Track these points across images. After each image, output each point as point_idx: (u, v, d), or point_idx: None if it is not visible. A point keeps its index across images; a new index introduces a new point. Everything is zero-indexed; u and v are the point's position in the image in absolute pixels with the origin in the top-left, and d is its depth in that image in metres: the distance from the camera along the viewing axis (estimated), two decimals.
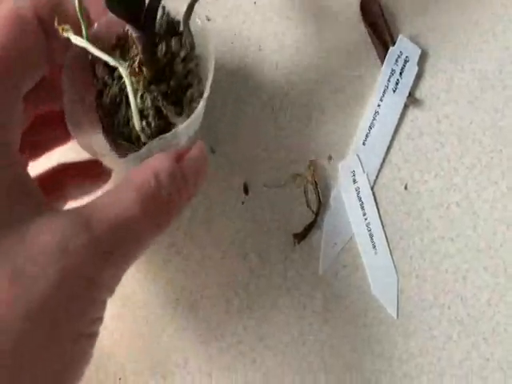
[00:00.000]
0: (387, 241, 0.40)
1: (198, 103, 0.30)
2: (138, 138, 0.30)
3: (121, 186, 0.27)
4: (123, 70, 0.29)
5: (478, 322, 0.40)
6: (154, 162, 0.28)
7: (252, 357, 0.39)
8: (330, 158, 0.41)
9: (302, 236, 0.40)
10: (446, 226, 0.41)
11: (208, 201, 0.40)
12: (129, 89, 0.29)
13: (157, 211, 0.27)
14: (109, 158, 0.31)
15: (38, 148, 0.34)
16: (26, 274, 0.22)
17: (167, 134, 0.29)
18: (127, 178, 0.27)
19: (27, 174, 0.27)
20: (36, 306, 0.22)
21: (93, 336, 0.25)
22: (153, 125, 0.30)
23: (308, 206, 0.40)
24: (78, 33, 0.28)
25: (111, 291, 0.26)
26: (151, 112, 0.30)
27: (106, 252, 0.24)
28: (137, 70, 0.29)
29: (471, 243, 0.40)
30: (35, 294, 0.22)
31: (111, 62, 0.29)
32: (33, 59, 0.27)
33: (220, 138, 0.41)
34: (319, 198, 0.40)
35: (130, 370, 0.39)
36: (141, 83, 0.30)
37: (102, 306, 0.25)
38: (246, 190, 0.40)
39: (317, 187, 0.40)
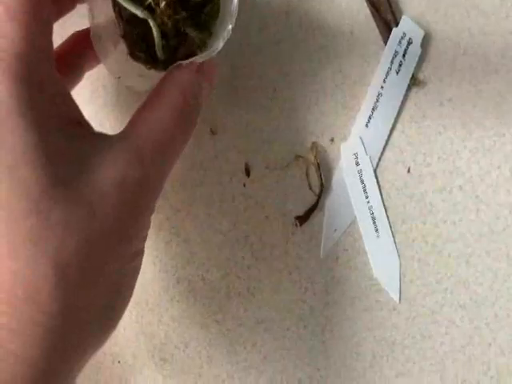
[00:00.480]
0: (389, 224, 0.40)
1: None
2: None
3: (156, 105, 0.29)
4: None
5: (480, 307, 0.39)
6: (180, 78, 0.30)
7: (252, 340, 0.39)
8: (332, 140, 0.40)
9: (303, 219, 0.39)
10: (448, 209, 0.40)
11: (209, 183, 0.40)
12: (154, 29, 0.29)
13: (187, 124, 0.30)
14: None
15: (73, 74, 0.35)
16: (92, 203, 0.25)
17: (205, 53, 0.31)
18: (160, 96, 0.29)
19: (74, 103, 0.28)
20: (101, 226, 0.25)
21: (143, 253, 0.29)
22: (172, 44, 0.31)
23: (310, 188, 0.40)
24: None
25: (153, 211, 0.29)
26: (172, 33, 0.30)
27: (155, 180, 0.28)
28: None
29: (474, 227, 0.40)
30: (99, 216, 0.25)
31: None
32: None
33: (220, 119, 0.40)
34: (321, 181, 0.39)
35: (129, 354, 0.38)
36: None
37: (149, 225, 0.29)
38: (247, 172, 0.40)
39: (319, 169, 0.39)
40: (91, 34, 0.32)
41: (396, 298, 0.39)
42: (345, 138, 0.41)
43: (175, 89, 0.29)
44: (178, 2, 0.30)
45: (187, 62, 0.30)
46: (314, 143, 0.40)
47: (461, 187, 0.41)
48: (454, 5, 0.42)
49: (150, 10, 0.29)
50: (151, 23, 0.29)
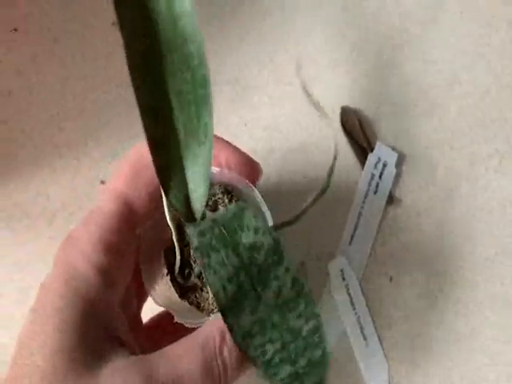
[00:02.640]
0: (376, 331, 0.44)
1: None
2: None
3: (187, 341, 0.28)
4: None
5: None
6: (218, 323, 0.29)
7: None
8: (318, 258, 0.45)
9: None
10: (430, 313, 0.45)
11: None
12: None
13: (216, 371, 0.28)
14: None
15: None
16: None
17: None
18: (194, 334, 0.28)
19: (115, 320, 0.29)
20: None
21: None
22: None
23: None
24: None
25: None
26: None
27: None
28: None
29: (455, 327, 0.44)
30: None
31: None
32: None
33: None
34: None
35: None
36: None
37: None
38: None
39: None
40: (140, 262, 0.33)
41: None
42: (332, 256, 0.46)
43: (214, 328, 0.28)
44: None
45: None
46: (301, 263, 0.45)
47: (441, 289, 0.45)
48: (422, 130, 0.47)
49: None
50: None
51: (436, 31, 0.49)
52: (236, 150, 0.35)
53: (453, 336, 0.44)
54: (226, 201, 0.34)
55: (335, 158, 0.35)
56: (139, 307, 0.38)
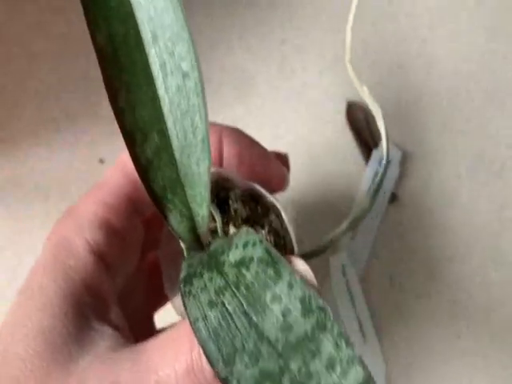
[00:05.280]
0: (375, 330, 0.43)
1: None
2: None
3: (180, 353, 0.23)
4: None
5: None
6: None
7: None
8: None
9: None
10: (426, 315, 0.44)
11: None
12: None
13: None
14: None
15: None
16: None
17: None
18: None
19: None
20: None
21: None
22: None
23: None
24: None
25: None
26: None
27: None
28: None
29: (450, 329, 0.44)
30: None
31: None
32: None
33: None
34: None
35: None
36: None
37: None
38: None
39: None
40: (162, 268, 0.30)
41: None
42: (333, 251, 0.45)
43: None
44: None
45: None
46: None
47: (440, 291, 0.45)
48: (427, 128, 0.47)
49: None
50: None
51: (444, 32, 0.49)
52: (252, 142, 0.30)
53: (452, 337, 0.44)
54: (245, 213, 0.27)
55: (381, 179, 0.31)
56: (152, 310, 0.34)
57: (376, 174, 0.46)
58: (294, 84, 0.47)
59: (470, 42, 0.49)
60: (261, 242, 0.20)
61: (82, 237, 0.25)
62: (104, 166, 0.43)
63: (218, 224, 0.25)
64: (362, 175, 0.46)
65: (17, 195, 0.42)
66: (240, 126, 0.45)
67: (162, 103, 0.21)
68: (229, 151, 0.28)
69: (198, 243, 0.23)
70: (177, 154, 0.21)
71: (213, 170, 0.25)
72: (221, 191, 0.27)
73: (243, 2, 0.47)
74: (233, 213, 0.26)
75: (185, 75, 0.20)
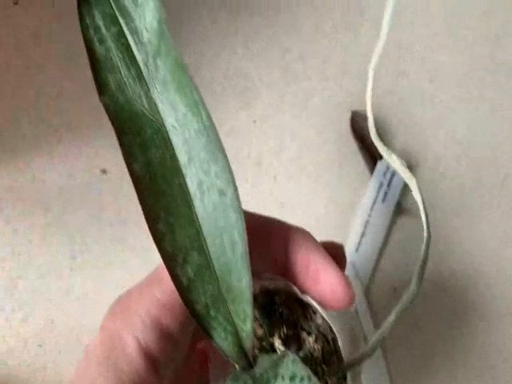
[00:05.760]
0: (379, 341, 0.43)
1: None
2: None
3: None
4: None
5: None
6: None
7: None
8: None
9: None
10: (434, 328, 0.44)
11: None
12: None
13: None
14: None
15: None
16: None
17: None
18: None
19: None
20: None
21: None
22: None
23: None
24: None
25: None
26: None
27: None
28: None
29: (460, 345, 0.43)
30: None
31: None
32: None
33: None
34: None
35: None
36: None
37: None
38: None
39: None
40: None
41: None
42: None
43: None
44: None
45: None
46: None
47: (445, 304, 0.44)
48: (433, 139, 0.47)
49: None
50: None
51: (447, 49, 0.49)
52: (319, 250, 0.27)
53: (457, 351, 0.43)
54: (291, 317, 0.26)
55: (424, 263, 0.29)
56: None
57: (381, 185, 0.45)
58: (298, 92, 0.46)
59: (475, 54, 0.49)
60: (309, 378, 0.20)
61: (134, 337, 0.25)
62: (106, 177, 0.42)
63: (264, 334, 0.25)
64: (366, 185, 0.45)
65: (17, 206, 0.42)
66: (243, 134, 0.45)
67: (201, 222, 0.21)
68: (294, 258, 0.27)
69: (243, 358, 0.23)
70: (217, 271, 0.21)
71: (260, 280, 0.25)
72: (266, 295, 0.26)
73: (248, 10, 0.46)
74: (278, 316, 0.26)
75: (221, 193, 0.20)
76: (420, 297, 0.44)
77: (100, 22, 0.20)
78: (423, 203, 0.26)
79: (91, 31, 0.20)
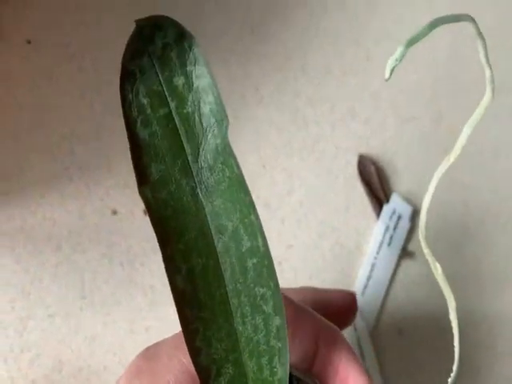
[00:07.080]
0: (384, 382, 0.44)
1: None
2: None
3: None
4: None
5: None
6: None
7: None
8: None
9: None
10: (437, 367, 0.44)
11: None
12: None
13: None
14: None
15: None
16: None
17: None
18: None
19: None
20: None
21: None
22: None
23: None
24: None
25: None
26: None
27: None
28: None
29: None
30: None
31: None
32: None
33: None
34: None
35: None
36: None
37: None
38: None
39: None
40: None
41: None
42: None
43: None
44: None
45: None
46: None
47: (450, 347, 0.45)
48: (439, 181, 0.47)
49: None
50: None
51: (453, 84, 0.50)
52: (348, 349, 0.27)
53: None
54: None
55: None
56: None
57: (387, 228, 0.46)
58: (306, 136, 0.47)
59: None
60: None
61: None
62: (117, 218, 0.43)
63: None
64: (372, 229, 0.46)
65: (28, 245, 0.42)
66: (252, 177, 0.46)
67: (239, 336, 0.20)
68: (322, 355, 0.26)
69: None
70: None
71: None
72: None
73: (259, 53, 0.47)
74: None
75: (266, 321, 0.20)
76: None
77: (145, 101, 0.18)
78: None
79: (135, 111, 0.18)
